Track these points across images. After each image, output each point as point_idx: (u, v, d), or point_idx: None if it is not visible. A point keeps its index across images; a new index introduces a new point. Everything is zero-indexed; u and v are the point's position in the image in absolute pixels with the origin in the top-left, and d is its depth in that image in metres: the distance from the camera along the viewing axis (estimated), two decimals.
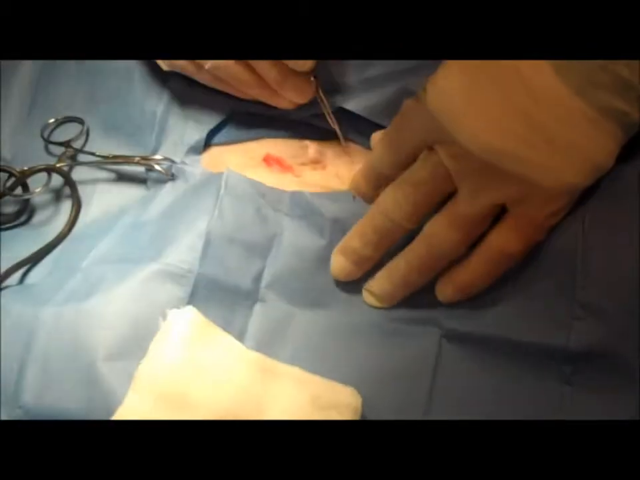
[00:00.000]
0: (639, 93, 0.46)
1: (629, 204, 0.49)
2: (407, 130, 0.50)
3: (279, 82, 0.57)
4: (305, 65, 0.56)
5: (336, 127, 0.59)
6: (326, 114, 0.58)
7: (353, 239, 0.53)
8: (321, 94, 0.58)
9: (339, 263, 0.53)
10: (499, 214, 0.49)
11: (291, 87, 0.58)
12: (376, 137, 0.55)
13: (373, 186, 0.53)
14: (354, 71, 0.61)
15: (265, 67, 0.57)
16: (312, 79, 0.57)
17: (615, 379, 0.48)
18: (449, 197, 0.50)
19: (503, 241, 0.49)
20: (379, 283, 0.53)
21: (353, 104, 0.59)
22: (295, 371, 0.49)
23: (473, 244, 0.50)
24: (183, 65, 0.59)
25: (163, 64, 0.60)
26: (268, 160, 0.59)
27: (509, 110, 0.46)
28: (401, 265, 0.51)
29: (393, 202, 0.50)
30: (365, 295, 0.53)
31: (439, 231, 0.49)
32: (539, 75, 0.45)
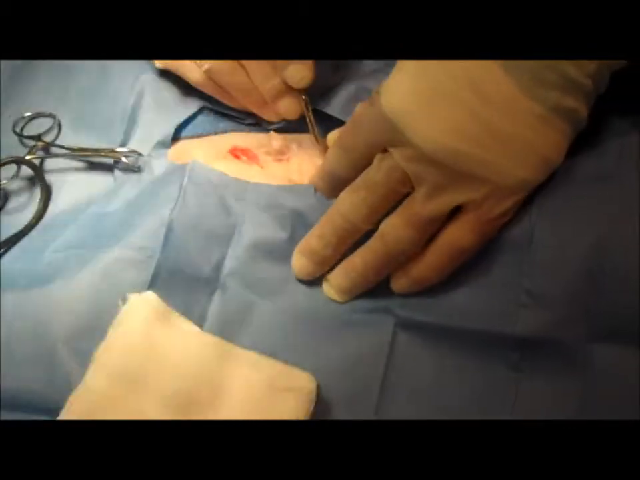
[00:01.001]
0: (586, 91, 0.48)
1: (574, 196, 0.51)
2: (361, 133, 0.52)
3: (273, 95, 0.59)
4: (302, 82, 0.57)
5: (318, 140, 0.59)
6: (310, 130, 0.59)
7: (313, 240, 0.54)
8: (310, 112, 0.59)
9: (300, 263, 0.55)
10: (454, 210, 0.51)
11: (284, 101, 0.59)
12: (332, 136, 0.56)
13: (331, 187, 0.55)
14: (330, 72, 0.62)
15: (262, 78, 0.58)
16: (303, 97, 0.59)
17: (560, 365, 0.50)
18: (406, 196, 0.51)
19: (459, 237, 0.51)
20: (338, 278, 0.54)
21: (331, 108, 0.60)
22: (252, 355, 0.50)
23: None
24: (176, 66, 0.60)
25: (156, 62, 0.61)
26: (234, 152, 0.60)
27: (461, 111, 0.48)
28: (358, 262, 0.53)
29: (350, 205, 0.52)
30: (325, 288, 0.55)
31: (395, 230, 0.51)
32: (488, 75, 0.47)
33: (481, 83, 0.47)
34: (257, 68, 0.58)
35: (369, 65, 0.61)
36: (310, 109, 0.59)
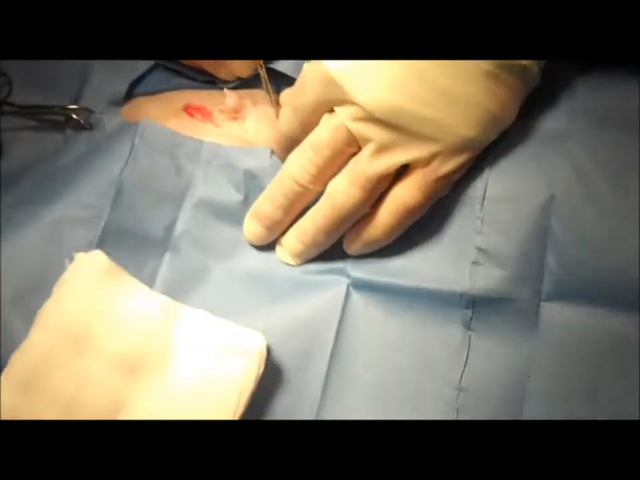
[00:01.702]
0: None
1: (528, 154, 0.51)
2: (307, 93, 0.51)
3: None
4: None
5: (271, 98, 0.59)
6: (265, 89, 0.59)
7: (264, 203, 0.54)
8: (264, 70, 0.59)
9: (251, 228, 0.54)
10: (401, 169, 0.50)
11: (238, 60, 0.58)
12: (284, 95, 0.56)
13: (284, 148, 0.54)
14: None
15: None
16: None
17: (512, 323, 0.50)
18: (352, 156, 0.51)
19: (407, 196, 0.50)
20: (290, 242, 0.54)
21: (283, 65, 0.59)
22: (201, 313, 0.50)
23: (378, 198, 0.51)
24: None
25: None
26: (188, 109, 0.59)
27: (404, 68, 0.47)
28: (308, 225, 0.53)
29: (298, 166, 0.52)
30: (278, 252, 0.55)
31: (341, 190, 0.50)
32: None
33: None
34: None
35: None
36: (264, 66, 0.58)
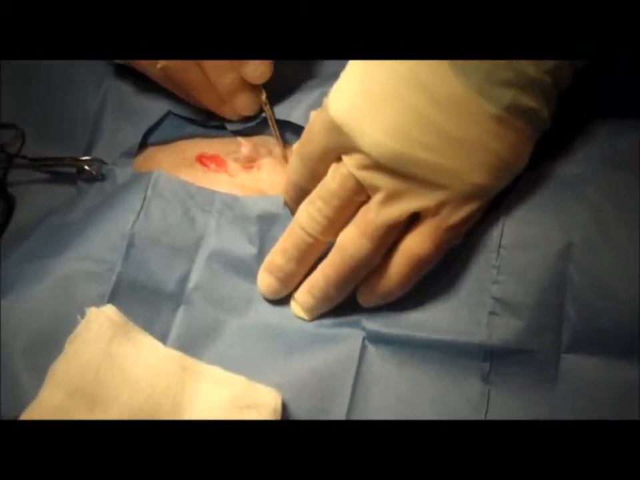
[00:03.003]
0: (545, 88, 0.48)
1: (543, 201, 0.51)
2: (314, 141, 0.51)
3: (231, 91, 0.59)
4: (261, 77, 0.58)
5: (279, 141, 0.60)
6: (271, 127, 0.60)
7: (277, 256, 0.54)
8: (269, 107, 0.59)
9: (265, 281, 0.54)
10: (412, 218, 0.50)
11: (241, 97, 0.59)
12: (295, 146, 0.56)
13: (295, 198, 0.55)
14: (299, 80, 0.62)
15: (218, 73, 0.58)
16: (263, 92, 0.59)
17: (531, 375, 0.49)
18: (362, 206, 0.51)
19: (418, 246, 0.50)
20: (302, 296, 0.54)
21: (296, 115, 0.59)
22: (215, 370, 0.50)
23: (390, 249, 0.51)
24: (135, 61, 0.60)
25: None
26: (201, 159, 0.60)
27: (408, 113, 0.47)
28: (319, 278, 0.53)
29: (308, 216, 0.52)
30: (293, 306, 0.55)
31: (351, 241, 0.50)
32: (436, 77, 0.47)
33: (429, 85, 0.47)
34: (212, 64, 0.57)
35: (332, 65, 0.61)
36: (268, 103, 0.59)
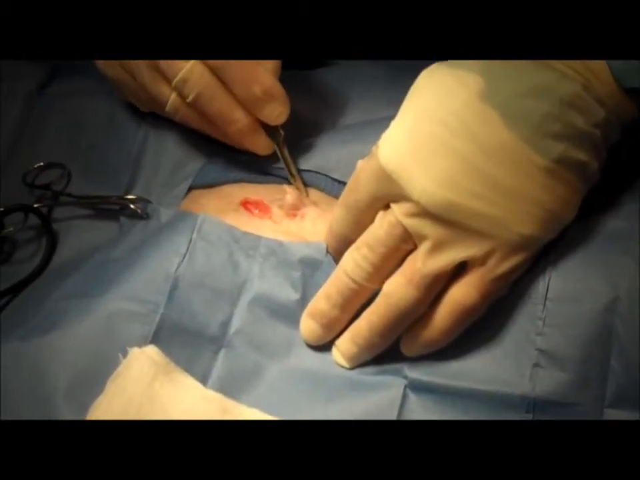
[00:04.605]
0: (594, 142, 0.48)
1: (590, 254, 0.51)
2: (361, 189, 0.52)
3: (244, 134, 0.59)
4: (279, 118, 0.59)
5: (299, 183, 0.61)
6: (285, 164, 0.61)
7: (321, 301, 0.54)
8: (283, 148, 0.60)
9: (308, 327, 0.55)
10: (459, 268, 0.51)
11: (258, 139, 0.60)
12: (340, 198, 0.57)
13: (339, 246, 0.55)
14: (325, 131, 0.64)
15: (230, 119, 0.58)
16: (280, 132, 0.60)
17: None
18: (409, 253, 0.51)
19: (464, 296, 0.51)
20: (344, 344, 0.54)
21: (314, 164, 0.61)
22: (255, 413, 0.51)
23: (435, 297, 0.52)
24: (158, 107, 0.61)
25: (141, 106, 0.63)
26: (246, 204, 0.61)
27: (458, 162, 0.48)
28: (363, 325, 0.53)
29: (353, 263, 0.52)
30: (335, 353, 0.55)
31: (397, 290, 0.51)
32: (487, 127, 0.48)
33: (479, 134, 0.48)
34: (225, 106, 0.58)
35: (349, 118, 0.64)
36: (284, 142, 0.60)
